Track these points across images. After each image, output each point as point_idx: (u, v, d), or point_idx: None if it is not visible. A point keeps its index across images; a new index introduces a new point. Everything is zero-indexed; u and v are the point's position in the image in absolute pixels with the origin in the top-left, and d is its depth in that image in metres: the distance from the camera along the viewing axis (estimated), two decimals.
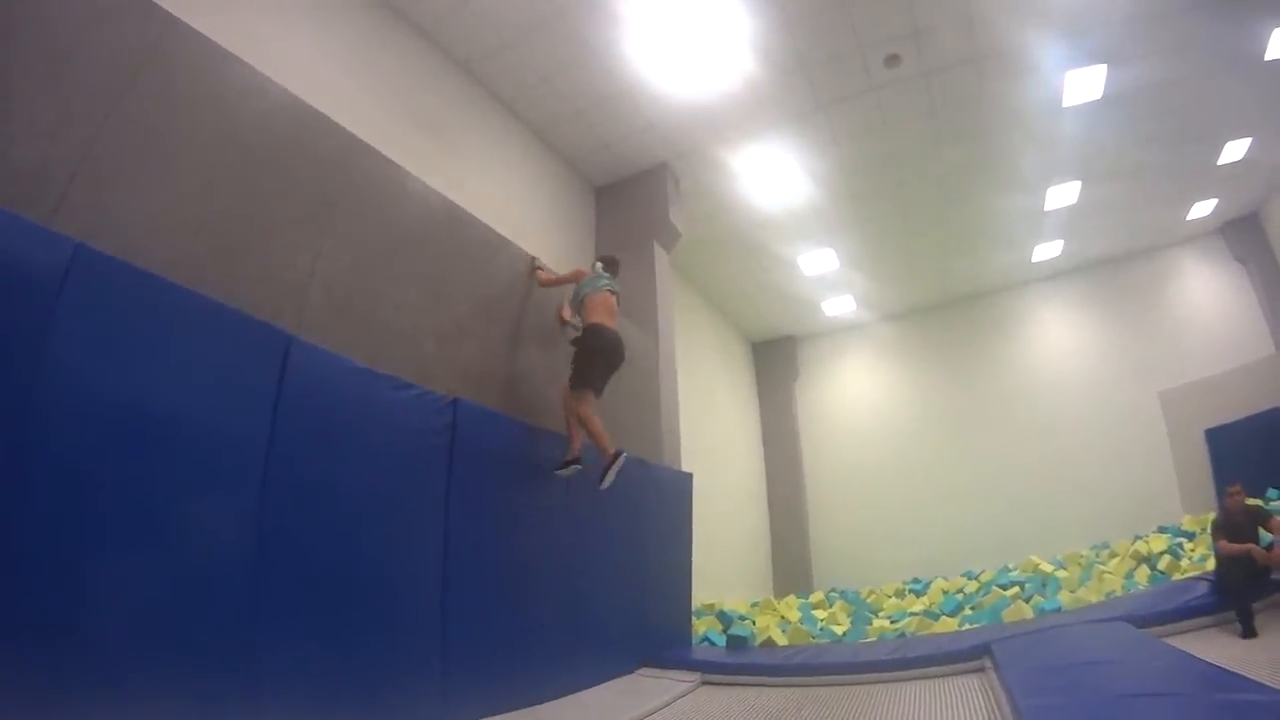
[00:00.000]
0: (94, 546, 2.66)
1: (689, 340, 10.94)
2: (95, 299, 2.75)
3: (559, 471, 5.11)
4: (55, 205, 2.87)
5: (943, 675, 5.03)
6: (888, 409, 14.49)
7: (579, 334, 5.37)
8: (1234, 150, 10.17)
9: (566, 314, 5.86)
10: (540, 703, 4.70)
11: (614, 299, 5.57)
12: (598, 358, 5.20)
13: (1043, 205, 10.99)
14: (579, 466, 5.11)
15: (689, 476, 7.76)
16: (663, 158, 8.90)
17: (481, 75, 7.48)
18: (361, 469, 3.84)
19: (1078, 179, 10.37)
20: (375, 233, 4.49)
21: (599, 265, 5.78)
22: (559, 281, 5.78)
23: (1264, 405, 11.15)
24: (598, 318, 5.31)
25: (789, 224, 10.60)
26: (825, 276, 12.42)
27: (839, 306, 13.86)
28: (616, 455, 4.87)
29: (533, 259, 5.80)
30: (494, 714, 4.30)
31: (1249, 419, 11.08)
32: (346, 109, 4.77)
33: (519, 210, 7.52)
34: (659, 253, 8.88)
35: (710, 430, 11.67)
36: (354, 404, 3.84)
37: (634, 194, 9.06)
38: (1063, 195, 10.77)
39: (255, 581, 3.19)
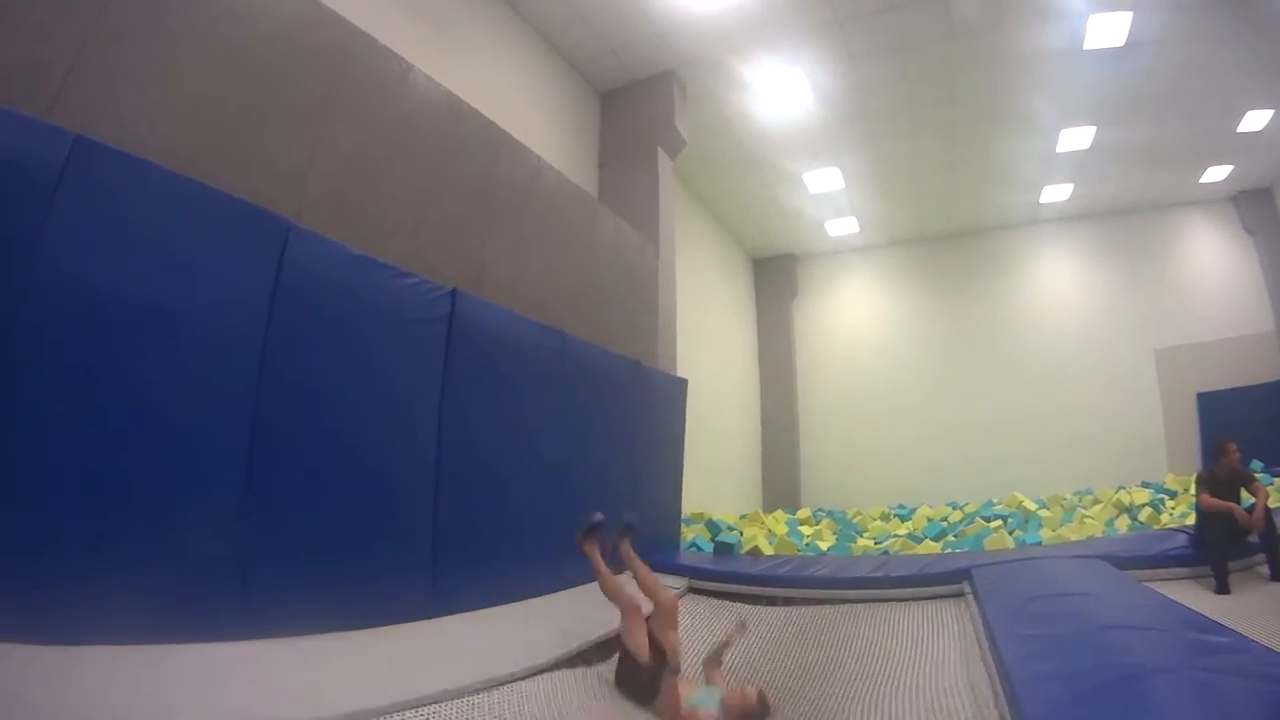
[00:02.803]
0: (91, 439, 2.68)
1: (689, 251, 10.79)
2: (94, 190, 2.73)
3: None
4: (51, 102, 2.83)
5: (923, 598, 5.20)
6: (884, 335, 14.48)
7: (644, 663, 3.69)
8: (1255, 120, 9.89)
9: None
10: (528, 598, 4.78)
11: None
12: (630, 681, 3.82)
13: (1055, 146, 10.69)
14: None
15: (684, 382, 7.82)
16: (670, 65, 8.60)
17: None
18: (358, 358, 3.83)
19: (1092, 124, 10.07)
20: (375, 124, 4.41)
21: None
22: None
23: (1258, 378, 11.28)
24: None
25: (796, 140, 10.30)
26: (829, 196, 12.16)
27: (842, 228, 13.62)
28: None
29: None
30: (482, 607, 4.38)
31: (1243, 389, 11.19)
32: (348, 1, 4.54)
33: (521, 110, 7.29)
34: (663, 159, 8.73)
35: (707, 342, 11.67)
36: (351, 292, 3.81)
37: (640, 100, 8.83)
38: (1076, 139, 10.47)
39: (250, 471, 3.22)
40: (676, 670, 3.51)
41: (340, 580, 3.59)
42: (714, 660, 3.74)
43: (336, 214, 4.02)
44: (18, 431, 2.49)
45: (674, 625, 3.88)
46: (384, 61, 4.56)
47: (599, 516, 4.30)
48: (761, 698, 3.37)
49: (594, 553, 4.17)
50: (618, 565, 4.25)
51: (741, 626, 4.08)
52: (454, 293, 4.49)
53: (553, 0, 7.48)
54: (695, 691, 3.47)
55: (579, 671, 3.82)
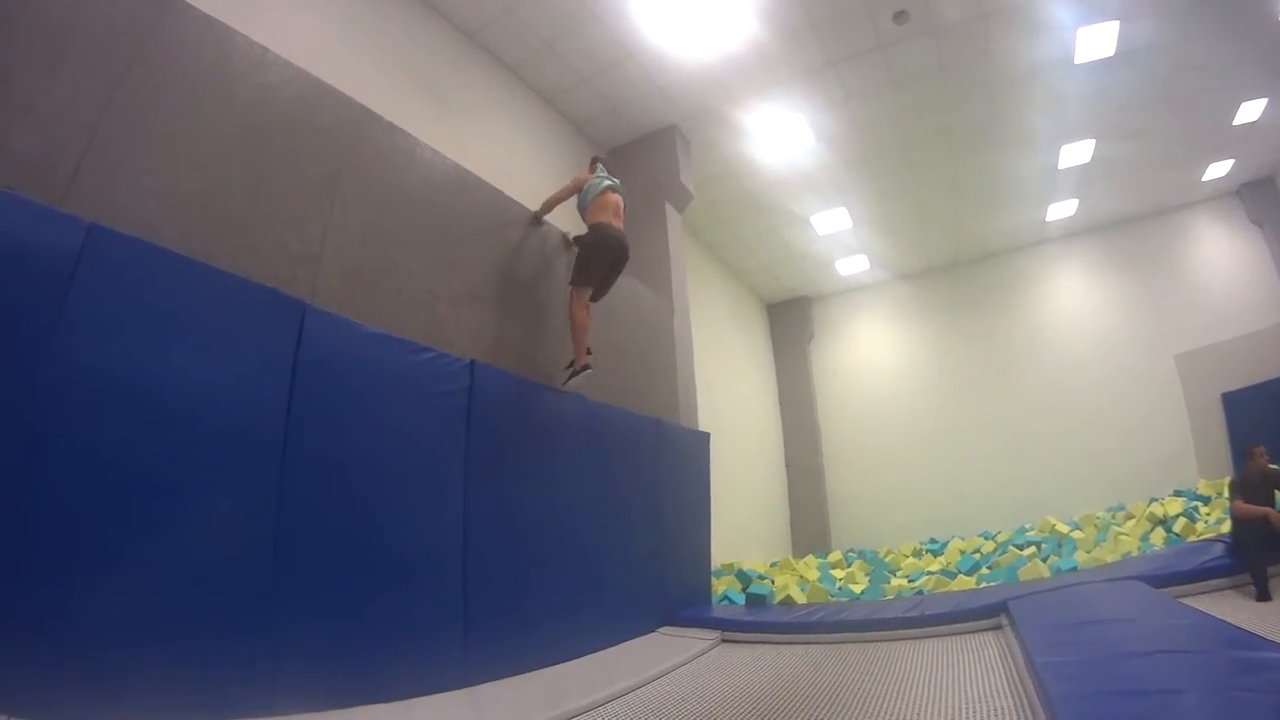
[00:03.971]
0: (115, 527, 2.71)
1: (703, 302, 10.93)
2: (109, 279, 2.78)
3: (569, 381, 5.30)
4: (64, 191, 2.88)
5: (960, 633, 5.12)
6: (903, 369, 14.49)
7: (583, 235, 5.46)
8: (1250, 111, 10.00)
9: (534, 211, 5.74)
10: (561, 662, 4.75)
11: (618, 198, 5.61)
12: (599, 253, 5.33)
13: (1056, 163, 10.85)
14: (589, 370, 5.26)
15: (706, 436, 7.81)
16: (672, 120, 8.85)
17: (485, 41, 7.42)
18: (380, 434, 3.87)
19: (1091, 137, 10.22)
20: (385, 200, 4.50)
21: (599, 166, 5.80)
22: (561, 196, 5.68)
23: None
24: (603, 217, 5.38)
25: (800, 183, 10.52)
26: (838, 236, 12.35)
27: (852, 266, 13.80)
28: (584, 367, 5.17)
29: (534, 212, 5.72)
30: (516, 673, 4.36)
31: (1267, 384, 11.00)
32: (350, 79, 4.73)
33: (528, 175, 7.49)
34: (671, 213, 8.89)
35: (726, 392, 11.72)
36: (370, 369, 3.87)
37: (644, 156, 9.03)
38: (1076, 154, 10.62)
39: (276, 550, 3.25)
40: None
41: (371, 652, 3.59)
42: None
43: (352, 291, 4.09)
44: (36, 521, 2.52)
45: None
46: (391, 138, 4.66)
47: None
48: None
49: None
50: None
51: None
52: (472, 364, 4.55)
53: (554, 65, 7.78)
54: None
55: None
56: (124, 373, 2.81)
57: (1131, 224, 13.14)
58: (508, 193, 5.66)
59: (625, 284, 7.19)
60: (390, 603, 3.77)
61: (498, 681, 4.20)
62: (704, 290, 11.25)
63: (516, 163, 7.45)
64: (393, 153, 4.66)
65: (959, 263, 14.25)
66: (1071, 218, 12.83)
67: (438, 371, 4.31)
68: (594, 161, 5.91)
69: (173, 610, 2.85)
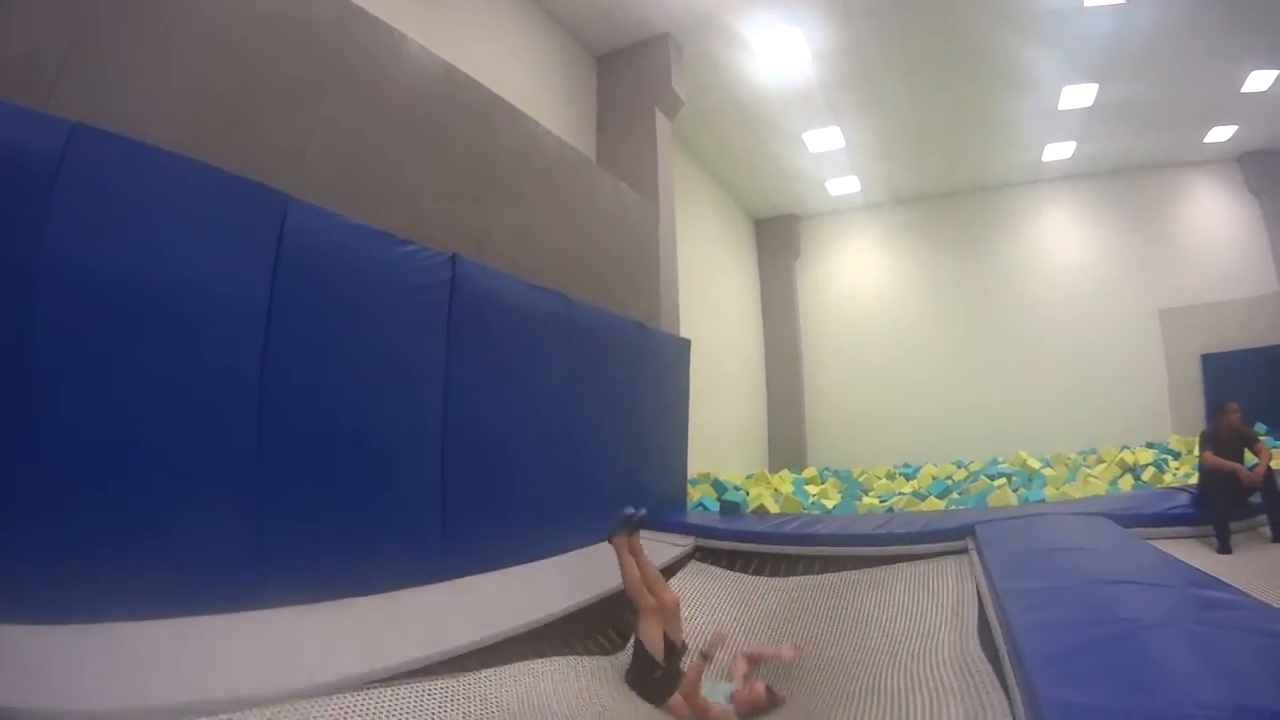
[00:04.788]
0: (100, 419, 2.74)
1: (690, 212, 10.74)
2: (92, 177, 2.76)
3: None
4: (48, 91, 2.87)
5: (927, 555, 5.26)
6: (888, 294, 14.44)
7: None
8: (1259, 80, 9.77)
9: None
10: (537, 559, 4.87)
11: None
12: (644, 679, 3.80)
13: (1057, 104, 10.53)
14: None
15: (687, 343, 7.85)
16: (666, 27, 8.50)
17: None
18: (361, 326, 3.87)
19: (1095, 82, 9.90)
20: (370, 95, 4.44)
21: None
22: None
23: (1264, 340, 11.19)
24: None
25: (795, 100, 10.18)
26: (830, 155, 12.07)
27: (843, 187, 13.53)
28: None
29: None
30: (495, 569, 4.46)
31: (1248, 351, 11.13)
32: None
33: (518, 76, 7.24)
34: (661, 119, 8.69)
35: (710, 303, 11.68)
36: (353, 261, 3.85)
37: (636, 62, 8.75)
38: (1078, 96, 10.31)
39: (258, 442, 3.27)
40: (707, 656, 3.70)
41: (351, 546, 3.65)
42: (707, 655, 3.79)
43: (335, 186, 4.06)
44: (27, 416, 2.54)
45: (678, 620, 3.99)
46: (376, 34, 4.57)
47: (633, 511, 4.36)
48: (770, 692, 3.55)
49: (623, 547, 4.25)
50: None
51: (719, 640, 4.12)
52: (454, 258, 4.50)
53: None
54: (704, 684, 3.62)
55: (595, 660, 3.91)
56: (109, 268, 2.80)
57: (1128, 174, 12.93)
58: (495, 91, 5.52)
59: (610, 185, 7.15)
60: (371, 497, 3.82)
61: (477, 575, 4.30)
62: (691, 201, 11.03)
63: (507, 64, 7.14)
64: (379, 49, 4.57)
65: (951, 193, 13.99)
66: (1068, 160, 12.58)
67: (420, 265, 4.27)
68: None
69: (158, 505, 2.88)
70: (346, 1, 4.36)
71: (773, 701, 3.55)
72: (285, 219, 3.51)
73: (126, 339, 2.84)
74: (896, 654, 3.61)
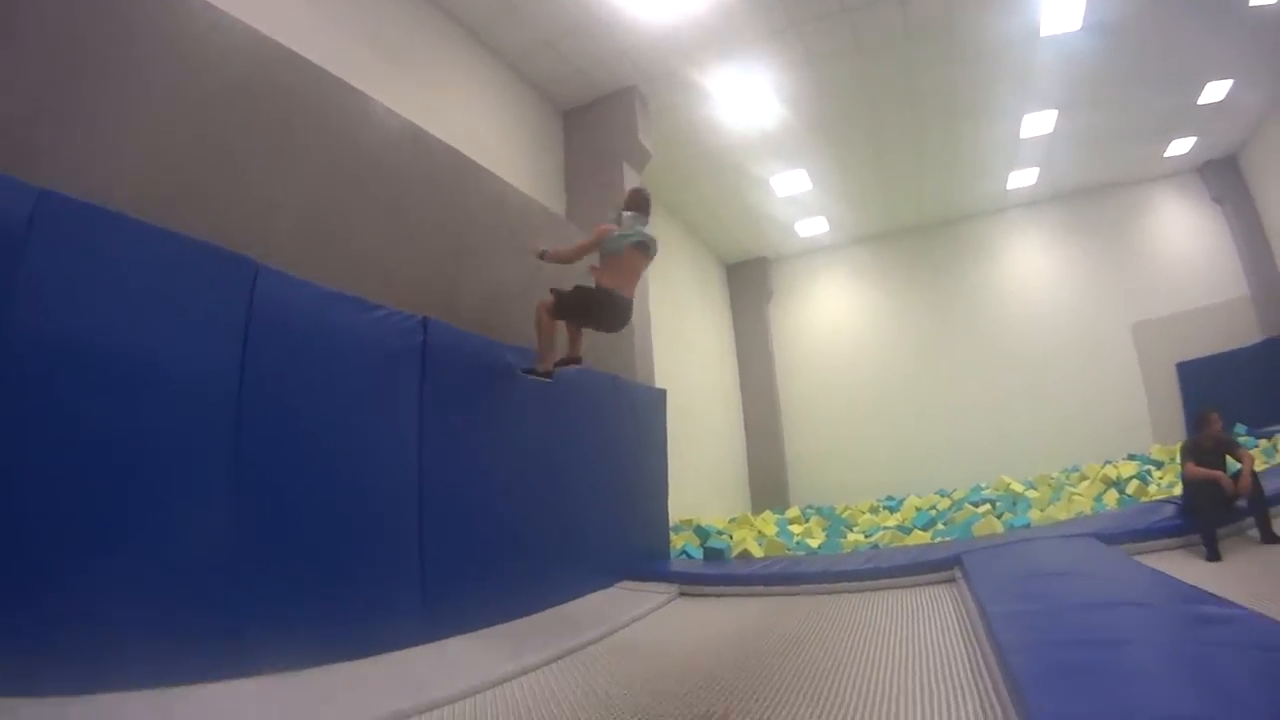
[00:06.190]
0: (68, 491, 2.67)
1: (662, 261, 10.63)
2: (62, 245, 2.74)
3: (526, 373, 5.01)
4: (13, 158, 2.82)
5: (915, 585, 5.17)
6: (862, 329, 14.53)
7: (572, 291, 4.74)
8: (1215, 91, 10.08)
9: (542, 249, 5.05)
10: (521, 617, 4.79)
11: (643, 258, 4.88)
12: (593, 315, 4.85)
13: (1018, 132, 10.79)
14: (548, 380, 5.04)
15: (662, 393, 7.83)
16: (632, 81, 8.62)
17: (444, 2, 7.09)
18: (334, 392, 3.85)
19: (1054, 108, 10.17)
20: (340, 159, 4.47)
21: (625, 214, 4.87)
22: (580, 251, 4.88)
23: (1236, 343, 11.47)
24: (614, 281, 4.70)
25: (761, 145, 10.33)
26: (798, 198, 12.22)
27: (812, 228, 13.70)
28: (547, 374, 4.88)
29: (540, 251, 5.04)
30: (476, 629, 4.39)
31: (1222, 355, 11.35)
32: (306, 41, 4.62)
33: (485, 134, 7.30)
34: (629, 172, 8.74)
35: (685, 350, 11.69)
36: (323, 328, 3.84)
37: (603, 116, 8.83)
38: (1039, 124, 10.59)
39: (233, 513, 3.23)
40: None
41: (331, 613, 3.60)
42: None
43: (305, 251, 4.06)
44: None
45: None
46: (342, 96, 4.61)
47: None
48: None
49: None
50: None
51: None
52: (425, 321, 4.49)
53: (514, 27, 7.47)
54: None
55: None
56: (79, 337, 2.78)
57: (1092, 195, 13.24)
58: (464, 151, 5.55)
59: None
60: (351, 562, 3.77)
61: (461, 636, 4.24)
62: (662, 250, 10.95)
63: (474, 124, 7.20)
64: (345, 112, 4.61)
65: (919, 227, 14.22)
66: (1032, 186, 12.87)
67: (391, 328, 4.26)
68: (630, 199, 5.00)
69: (132, 580, 2.82)
70: (311, 64, 4.38)
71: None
72: (255, 285, 3.49)
73: (94, 407, 2.79)
74: (892, 658, 3.48)
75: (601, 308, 4.72)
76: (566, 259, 4.92)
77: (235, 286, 3.42)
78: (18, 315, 2.57)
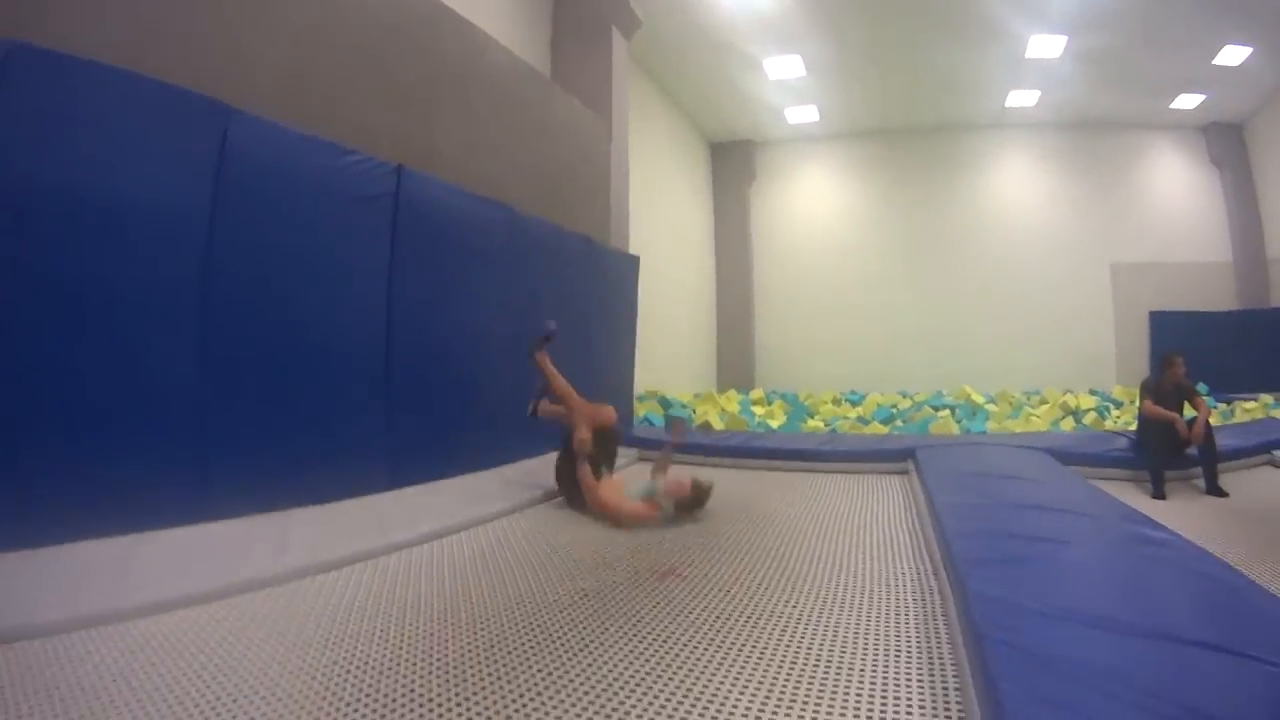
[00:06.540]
0: (41, 335, 2.74)
1: (645, 133, 10.50)
2: (32, 93, 2.72)
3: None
4: None
5: (869, 472, 5.30)
6: (843, 225, 14.38)
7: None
8: (1232, 55, 9.75)
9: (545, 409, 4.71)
10: (480, 469, 4.92)
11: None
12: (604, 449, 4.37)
13: (1024, 51, 10.31)
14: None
15: (636, 259, 7.77)
16: None
17: None
18: (304, 238, 3.85)
19: (1065, 34, 9.69)
20: (316, 3, 4.30)
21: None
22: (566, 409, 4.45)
23: (1212, 305, 11.54)
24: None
25: (757, 25, 9.78)
26: (790, 83, 11.77)
27: (802, 115, 13.26)
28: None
29: (532, 404, 4.74)
30: (436, 479, 4.51)
31: (1196, 314, 11.43)
32: None
33: None
34: (617, 38, 8.38)
35: (662, 224, 11.50)
36: (295, 173, 3.82)
37: None
38: (1046, 46, 10.11)
39: (201, 355, 3.30)
40: (582, 457, 4.06)
41: (297, 458, 3.71)
42: (660, 468, 4.27)
43: (279, 97, 3.98)
44: None
45: (590, 426, 4.21)
46: None
47: (553, 326, 4.61)
48: (697, 484, 3.82)
49: (544, 361, 4.51)
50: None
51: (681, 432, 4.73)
52: (399, 169, 4.43)
53: None
54: (633, 486, 3.87)
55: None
56: (50, 183, 2.77)
57: (1091, 128, 12.91)
58: (446, 3, 5.35)
59: (563, 103, 6.99)
60: (317, 410, 3.85)
61: (422, 484, 4.39)
62: (646, 122, 10.75)
63: None
64: None
65: (911, 130, 13.78)
66: (1031, 108, 12.48)
67: (365, 175, 4.23)
68: None
69: (101, 420, 2.90)
70: None
71: (699, 493, 3.83)
72: (227, 130, 3.43)
73: (66, 253, 2.81)
74: (842, 537, 3.60)
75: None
76: (555, 414, 4.59)
77: (208, 129, 3.37)
78: None
